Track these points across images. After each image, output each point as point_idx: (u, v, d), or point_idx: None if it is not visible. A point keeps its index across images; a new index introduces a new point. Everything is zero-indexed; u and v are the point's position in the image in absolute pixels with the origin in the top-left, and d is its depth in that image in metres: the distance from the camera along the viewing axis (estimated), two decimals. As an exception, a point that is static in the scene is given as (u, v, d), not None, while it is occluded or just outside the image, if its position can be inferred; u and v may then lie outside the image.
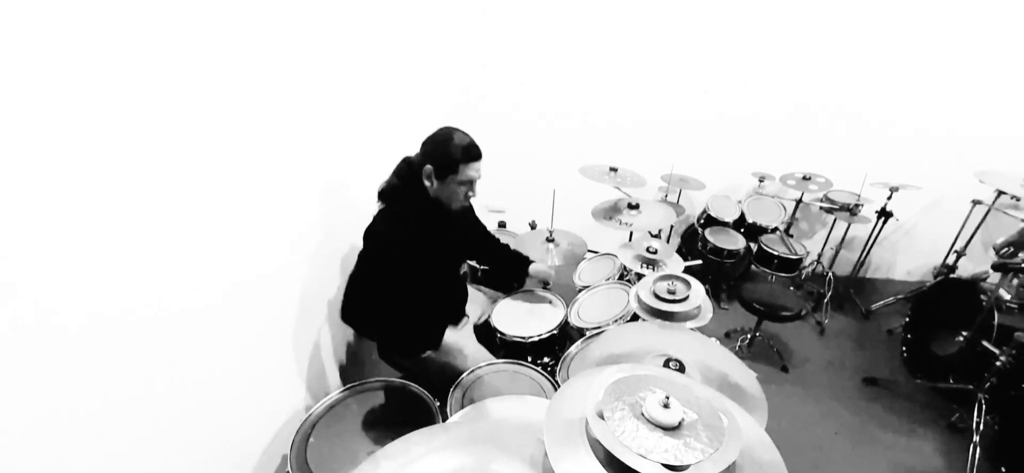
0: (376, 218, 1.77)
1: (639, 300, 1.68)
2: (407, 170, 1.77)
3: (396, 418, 1.60)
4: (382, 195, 1.77)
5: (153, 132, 1.11)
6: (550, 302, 2.22)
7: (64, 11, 0.88)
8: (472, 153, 1.71)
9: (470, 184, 1.76)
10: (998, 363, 2.21)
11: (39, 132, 0.87)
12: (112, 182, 1.02)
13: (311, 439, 1.49)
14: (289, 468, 1.39)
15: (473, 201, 1.88)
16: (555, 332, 2.03)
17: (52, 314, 0.93)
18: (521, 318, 2.11)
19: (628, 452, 0.74)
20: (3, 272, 0.84)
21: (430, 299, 1.85)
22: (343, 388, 1.66)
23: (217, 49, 1.28)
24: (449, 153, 1.68)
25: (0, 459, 0.87)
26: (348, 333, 2.33)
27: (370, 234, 1.76)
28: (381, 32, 2.30)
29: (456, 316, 2.02)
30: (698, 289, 1.66)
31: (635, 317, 1.74)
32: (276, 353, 1.77)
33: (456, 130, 1.72)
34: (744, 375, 1.25)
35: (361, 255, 1.84)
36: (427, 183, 1.72)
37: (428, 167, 1.69)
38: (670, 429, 0.78)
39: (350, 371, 2.36)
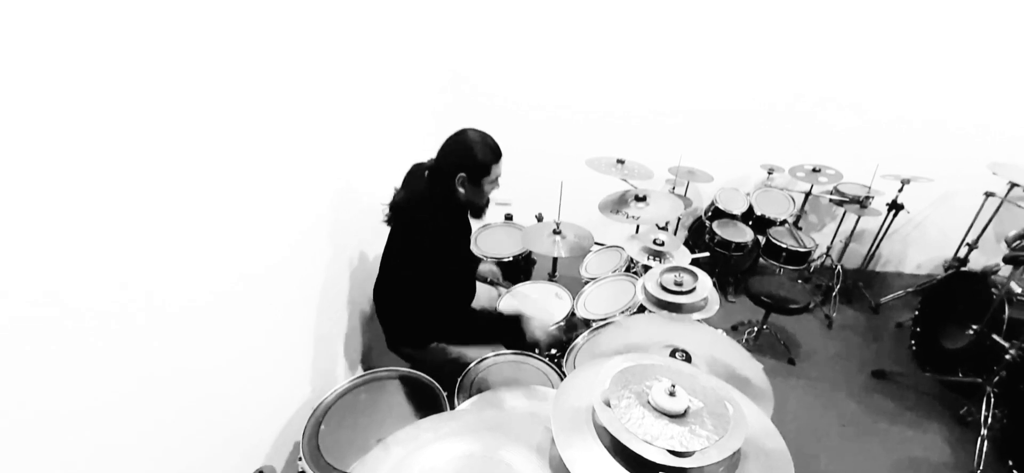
0: (401, 228, 1.81)
1: (646, 292, 1.68)
2: (426, 176, 1.80)
3: (405, 407, 1.62)
4: (401, 205, 1.80)
5: (166, 137, 1.13)
6: (557, 294, 2.23)
7: (83, 9, 0.90)
8: (498, 151, 1.77)
9: (496, 181, 1.82)
10: (1008, 357, 2.20)
11: (66, 130, 0.89)
12: (132, 183, 1.05)
13: (322, 427, 1.51)
14: (301, 455, 1.42)
15: None
16: (562, 324, 2.04)
17: (69, 308, 0.96)
18: (528, 310, 2.12)
19: (634, 439, 0.75)
20: (21, 265, 0.86)
21: (453, 294, 1.90)
22: (353, 378, 1.68)
23: (228, 54, 1.30)
24: (479, 157, 1.71)
25: (14, 452, 0.90)
26: (357, 324, 2.36)
27: (403, 242, 1.81)
28: (383, 30, 2.31)
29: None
30: (705, 281, 1.66)
31: (642, 309, 1.75)
32: (287, 344, 1.79)
33: (473, 132, 1.75)
34: (751, 367, 1.26)
35: (388, 260, 1.89)
36: (461, 190, 1.75)
37: (461, 175, 1.72)
38: (676, 417, 0.79)
39: (360, 361, 2.39)
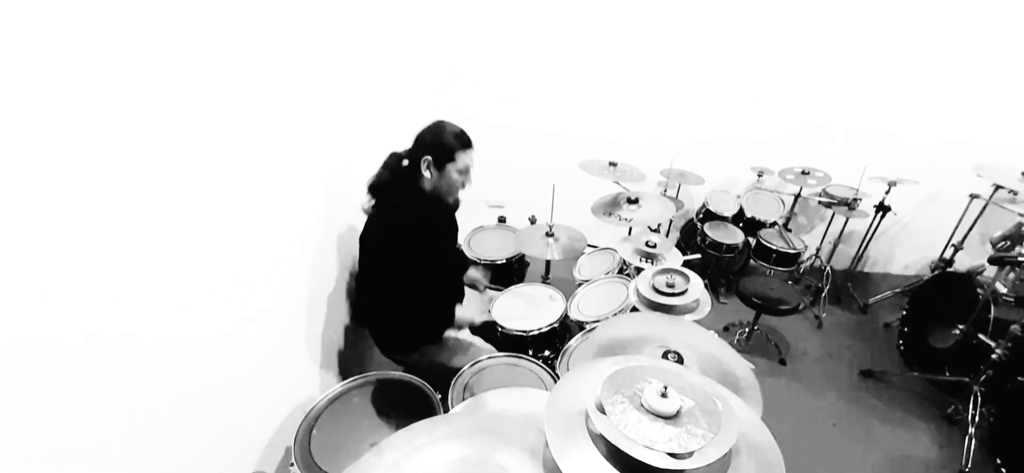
0: (371, 219, 1.80)
1: (638, 293, 1.69)
2: (399, 164, 1.80)
3: (398, 411, 1.61)
4: (373, 189, 1.81)
5: (161, 144, 1.12)
6: (550, 296, 2.23)
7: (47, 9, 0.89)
8: (466, 140, 1.78)
9: (467, 171, 1.80)
10: (994, 356, 2.23)
11: (39, 137, 0.88)
12: (124, 187, 1.04)
13: (314, 431, 1.50)
14: (293, 460, 1.40)
15: (469, 192, 1.90)
16: (555, 326, 2.04)
17: (61, 311, 0.94)
18: (521, 312, 2.12)
19: (634, 445, 0.75)
20: (16, 272, 0.85)
21: (432, 291, 1.86)
22: (346, 381, 1.67)
23: (227, 59, 1.29)
24: (445, 142, 1.73)
25: (11, 452, 0.89)
26: (351, 328, 2.34)
27: (368, 236, 1.79)
28: (377, 29, 2.31)
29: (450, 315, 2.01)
30: (697, 283, 1.67)
31: (634, 310, 1.76)
32: (278, 347, 1.78)
33: (446, 122, 1.78)
34: (742, 367, 1.26)
35: (362, 257, 1.86)
36: (427, 174, 1.75)
37: (427, 158, 1.73)
38: (670, 418, 0.80)
39: (352, 365, 2.38)
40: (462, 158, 1.76)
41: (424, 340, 1.90)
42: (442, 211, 1.87)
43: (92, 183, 0.98)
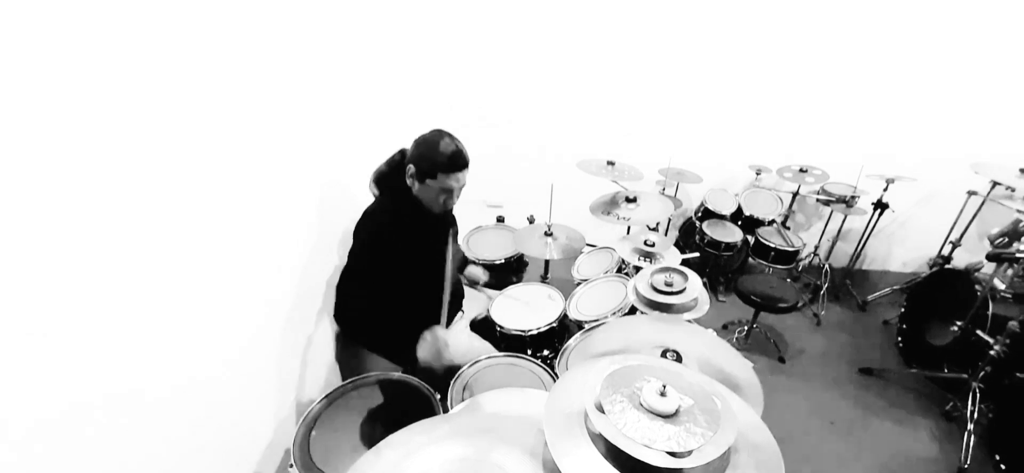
0: (365, 212, 1.80)
1: (637, 292, 1.69)
2: (399, 160, 1.79)
3: (397, 411, 1.61)
4: (377, 181, 1.81)
5: (155, 139, 1.11)
6: (549, 296, 2.23)
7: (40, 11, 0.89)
8: (455, 163, 1.68)
9: (449, 192, 1.73)
10: (992, 352, 2.23)
11: (29, 136, 0.88)
12: (118, 187, 1.03)
13: (313, 432, 1.50)
14: (292, 461, 1.40)
15: (459, 202, 1.86)
16: (554, 325, 2.04)
17: (57, 314, 0.94)
18: (520, 312, 2.12)
19: (633, 443, 0.75)
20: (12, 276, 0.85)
21: (410, 299, 1.82)
22: (344, 382, 1.67)
23: (219, 56, 1.29)
24: (432, 158, 1.66)
25: (7, 462, 0.88)
26: (348, 328, 2.34)
27: (357, 227, 1.79)
28: (374, 31, 2.30)
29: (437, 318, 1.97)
30: (695, 281, 1.67)
31: (633, 309, 1.76)
32: (277, 349, 1.78)
33: (445, 135, 1.70)
34: (741, 366, 1.26)
35: (350, 251, 1.86)
36: (409, 181, 1.73)
37: (411, 167, 1.70)
38: (669, 416, 0.79)
39: (350, 365, 2.37)
40: (445, 179, 1.68)
41: (382, 351, 1.85)
42: (426, 215, 1.81)
43: (87, 190, 0.97)
